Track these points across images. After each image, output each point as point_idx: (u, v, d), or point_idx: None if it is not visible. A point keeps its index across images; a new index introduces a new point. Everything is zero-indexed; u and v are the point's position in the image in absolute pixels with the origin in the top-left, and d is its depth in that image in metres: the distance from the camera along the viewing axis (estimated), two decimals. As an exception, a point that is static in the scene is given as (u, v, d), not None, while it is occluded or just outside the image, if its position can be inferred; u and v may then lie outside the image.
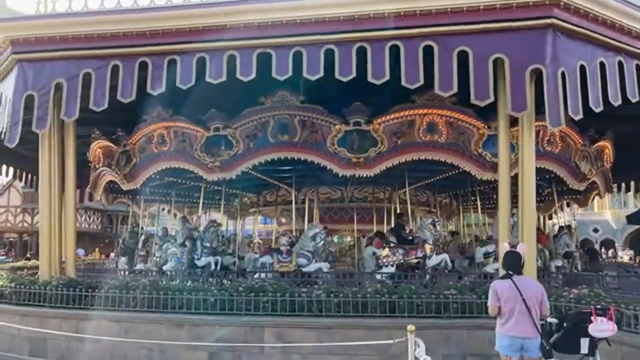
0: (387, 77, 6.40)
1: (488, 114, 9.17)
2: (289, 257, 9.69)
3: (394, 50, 6.78)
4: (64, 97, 7.03)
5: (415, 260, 9.63)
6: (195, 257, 10.52)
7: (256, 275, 9.55)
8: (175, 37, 7.03)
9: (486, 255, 10.13)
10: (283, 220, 15.35)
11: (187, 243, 10.63)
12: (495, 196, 11.47)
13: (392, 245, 9.65)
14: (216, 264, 10.29)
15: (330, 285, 8.17)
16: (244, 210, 16.39)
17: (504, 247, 4.80)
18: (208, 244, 10.53)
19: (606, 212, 33.68)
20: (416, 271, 9.53)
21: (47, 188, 7.59)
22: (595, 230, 33.97)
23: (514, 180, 7.90)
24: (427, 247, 9.67)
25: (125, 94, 7.23)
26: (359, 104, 8.94)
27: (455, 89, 6.22)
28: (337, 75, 6.69)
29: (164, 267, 11.01)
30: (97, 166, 12.13)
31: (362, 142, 8.96)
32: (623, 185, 16.05)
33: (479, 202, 12.25)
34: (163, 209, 18.87)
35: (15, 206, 36.27)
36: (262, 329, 5.60)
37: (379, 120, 9.01)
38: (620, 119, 10.03)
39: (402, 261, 9.53)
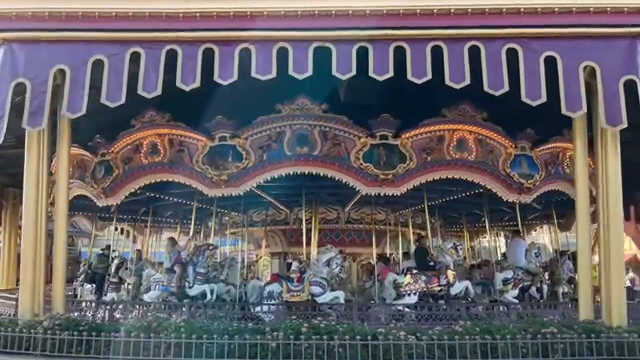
0: (467, 82, 5.66)
1: (513, 133, 8.83)
2: (300, 285, 8.57)
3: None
4: (68, 88, 5.61)
5: (439, 289, 8.85)
6: (187, 285, 9.10)
7: (264, 308, 8.36)
8: (218, 22, 5.91)
9: (505, 282, 9.56)
10: (267, 243, 14.08)
11: (176, 269, 9.18)
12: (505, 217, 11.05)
13: (414, 272, 8.82)
14: (212, 294, 8.92)
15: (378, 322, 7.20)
16: (218, 232, 15.01)
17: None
18: (202, 270, 9.18)
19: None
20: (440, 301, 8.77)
21: (34, 202, 6.02)
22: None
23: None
24: (450, 274, 8.96)
25: (149, 87, 5.97)
26: (386, 115, 8.20)
27: (545, 99, 5.61)
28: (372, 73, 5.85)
29: (146, 297, 9.49)
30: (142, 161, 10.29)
31: (389, 158, 8.18)
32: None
33: (487, 224, 11.75)
34: (116, 229, 17.04)
35: None
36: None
37: (407, 135, 8.30)
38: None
39: (425, 289, 8.73)
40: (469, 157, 8.46)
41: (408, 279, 8.69)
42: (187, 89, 6.68)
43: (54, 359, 4.79)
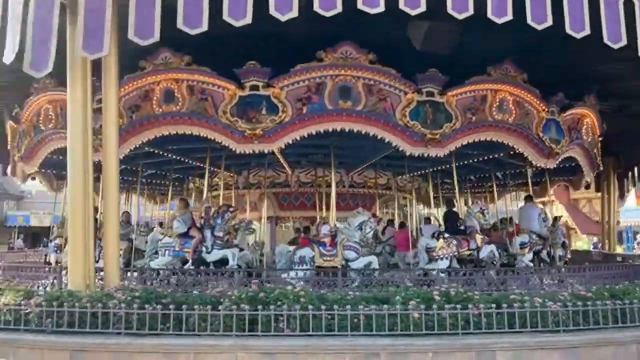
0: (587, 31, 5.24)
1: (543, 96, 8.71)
2: (333, 249, 8.04)
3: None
4: (135, 6, 4.36)
5: (468, 252, 8.74)
6: (205, 249, 8.24)
7: (292, 273, 7.75)
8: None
9: (522, 245, 9.67)
10: (258, 206, 13.26)
11: (193, 233, 8.26)
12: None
13: (446, 236, 8.61)
14: (234, 258, 8.15)
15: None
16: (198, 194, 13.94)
17: None
18: (221, 234, 8.34)
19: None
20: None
21: (81, 159, 4.81)
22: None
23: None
24: (478, 238, 8.87)
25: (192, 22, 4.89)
26: (434, 70, 7.69)
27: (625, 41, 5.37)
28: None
29: (153, 263, 8.52)
30: (41, 127, 8.92)
31: (435, 116, 7.74)
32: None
33: (494, 188, 11.77)
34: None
35: None
36: (493, 353, 4.02)
37: (452, 92, 7.86)
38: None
39: (455, 254, 8.57)
40: (509, 119, 8.23)
41: (441, 243, 8.46)
42: (237, 24, 5.66)
43: (145, 337, 3.88)
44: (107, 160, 5.35)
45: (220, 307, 4.01)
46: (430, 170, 10.17)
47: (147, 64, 7.63)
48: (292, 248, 8.28)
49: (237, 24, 5.62)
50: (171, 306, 4.01)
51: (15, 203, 35.90)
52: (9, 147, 10.90)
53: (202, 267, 7.42)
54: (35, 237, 31.64)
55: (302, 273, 7.74)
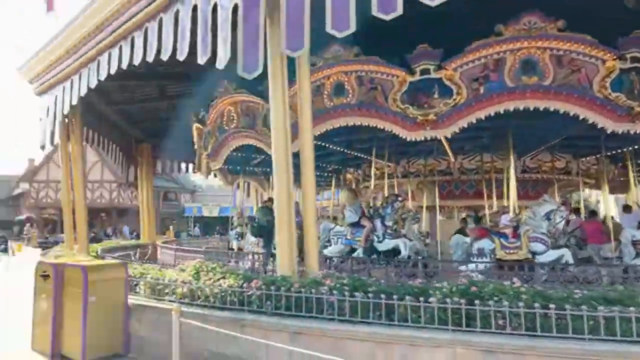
0: None
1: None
2: (517, 241, 7.37)
3: None
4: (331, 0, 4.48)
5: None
6: (376, 239, 8.26)
7: (472, 266, 7.28)
8: None
9: (635, 242, 7.59)
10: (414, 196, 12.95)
11: (364, 222, 8.35)
12: None
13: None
14: (405, 248, 8.01)
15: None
16: (360, 184, 14.10)
17: None
18: (390, 223, 8.28)
19: None
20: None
21: (284, 152, 5.20)
22: None
23: None
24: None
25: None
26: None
27: None
28: None
29: (327, 251, 8.82)
30: (224, 127, 9.89)
31: (645, 85, 6.50)
32: None
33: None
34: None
35: (56, 181, 34.45)
36: None
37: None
38: None
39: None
40: None
41: (648, 234, 7.17)
42: (387, 17, 5.32)
43: (355, 324, 4.01)
44: (304, 154, 5.57)
45: (431, 300, 3.87)
46: (631, 149, 8.69)
47: (317, 59, 7.86)
48: (468, 239, 7.82)
49: (387, 17, 5.41)
50: (382, 295, 4.01)
51: (190, 196, 41.48)
52: (195, 147, 12.42)
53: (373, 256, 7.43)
54: (206, 225, 36.08)
55: (482, 266, 7.27)
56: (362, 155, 11.14)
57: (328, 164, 13.53)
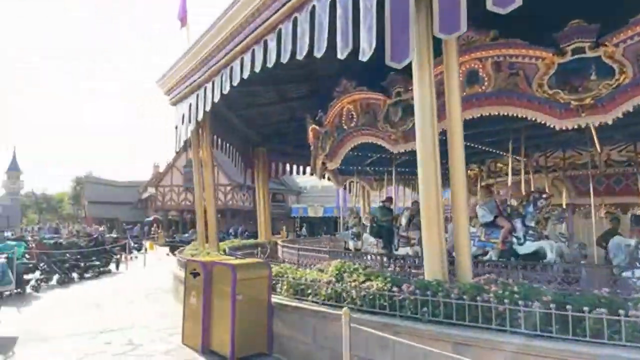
0: None
1: None
2: None
3: None
4: None
5: None
6: (516, 240, 7.50)
7: (638, 272, 6.21)
8: None
9: None
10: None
11: (500, 222, 7.63)
12: None
13: None
14: (552, 251, 7.13)
15: None
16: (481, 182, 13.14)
17: None
18: (533, 224, 7.45)
19: None
20: None
21: (431, 146, 4.90)
22: None
23: None
24: None
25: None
26: None
27: None
28: None
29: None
30: (343, 127, 9.79)
31: None
32: None
33: None
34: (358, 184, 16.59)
35: (178, 185, 37.79)
36: None
37: None
38: None
39: None
40: None
41: None
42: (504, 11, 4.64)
43: (532, 338, 3.53)
44: (453, 144, 5.16)
45: (632, 313, 3.23)
46: None
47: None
48: (632, 241, 6.75)
49: (504, 10, 4.74)
50: (567, 307, 3.45)
51: (295, 197, 42.86)
52: (311, 148, 12.54)
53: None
54: (311, 226, 36.92)
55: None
56: (490, 150, 10.33)
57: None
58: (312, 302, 5.26)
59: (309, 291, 5.41)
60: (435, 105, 5.20)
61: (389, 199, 11.10)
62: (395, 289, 4.47)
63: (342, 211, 27.35)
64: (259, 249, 14.33)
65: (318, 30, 5.39)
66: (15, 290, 9.62)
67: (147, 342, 6.25)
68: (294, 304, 5.45)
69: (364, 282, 4.84)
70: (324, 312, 4.92)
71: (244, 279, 5.42)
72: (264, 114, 14.58)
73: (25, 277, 10.54)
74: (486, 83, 7.06)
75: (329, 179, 15.68)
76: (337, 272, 5.27)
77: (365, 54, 4.61)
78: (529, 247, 7.44)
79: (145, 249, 23.81)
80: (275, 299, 5.77)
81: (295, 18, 5.96)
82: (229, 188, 36.31)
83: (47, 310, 8.60)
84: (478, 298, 3.88)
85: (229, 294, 5.36)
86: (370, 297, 4.59)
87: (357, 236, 11.91)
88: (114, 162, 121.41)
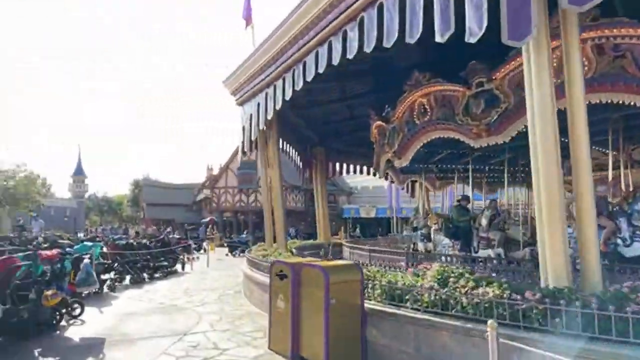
0: None
1: None
2: None
3: None
4: None
5: None
6: (621, 242, 6.77)
7: None
8: None
9: None
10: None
11: (601, 221, 6.90)
12: None
13: None
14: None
15: None
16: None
17: None
18: (639, 223, 6.69)
19: None
20: None
21: (552, 136, 4.39)
22: None
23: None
24: None
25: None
26: None
27: None
28: None
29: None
30: (415, 122, 9.33)
31: None
32: None
33: None
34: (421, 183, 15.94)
35: (232, 187, 38.42)
36: None
37: None
38: None
39: None
40: None
41: None
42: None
43: None
44: (575, 132, 4.60)
45: None
46: None
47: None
48: None
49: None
50: None
51: (346, 198, 42.44)
52: (374, 145, 12.12)
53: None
54: (362, 226, 36.35)
55: None
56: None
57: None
58: (413, 309, 4.88)
59: (407, 297, 5.02)
60: (554, 90, 4.66)
61: (466, 198, 10.46)
62: (516, 296, 4.01)
63: (394, 212, 26.74)
64: (322, 250, 14.10)
65: (411, 13, 4.99)
66: (94, 290, 9.89)
67: (232, 346, 6.10)
68: (390, 310, 5.09)
69: (474, 288, 4.40)
70: (431, 321, 4.52)
71: (336, 282, 5.11)
72: (324, 112, 14.34)
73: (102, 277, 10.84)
74: (585, 68, 6.41)
75: (387, 178, 15.09)
76: (439, 276, 4.86)
77: (473, 35, 4.19)
78: (637, 249, 6.71)
79: (205, 250, 24.25)
80: (367, 304, 5.44)
81: (381, 4, 5.60)
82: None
83: (126, 310, 8.74)
84: (628, 309, 3.36)
85: (320, 298, 5.08)
86: (486, 305, 4.15)
87: (427, 237, 11.40)
88: (167, 164, 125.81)
